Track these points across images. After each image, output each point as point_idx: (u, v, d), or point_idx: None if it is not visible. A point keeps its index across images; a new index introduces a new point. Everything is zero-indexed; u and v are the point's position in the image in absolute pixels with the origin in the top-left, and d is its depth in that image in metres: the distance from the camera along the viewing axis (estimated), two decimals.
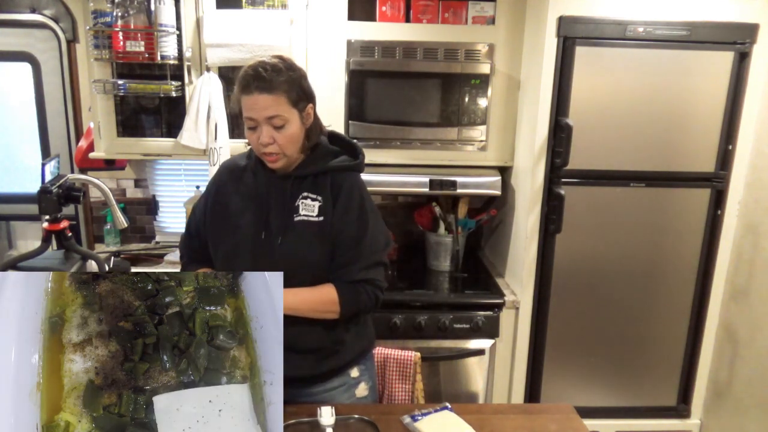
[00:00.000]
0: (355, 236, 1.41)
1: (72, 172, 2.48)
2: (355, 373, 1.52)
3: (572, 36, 1.92)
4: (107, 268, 2.04)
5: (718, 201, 2.08)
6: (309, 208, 1.41)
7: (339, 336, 1.46)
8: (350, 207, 1.41)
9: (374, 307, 1.45)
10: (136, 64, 2.12)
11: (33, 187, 1.80)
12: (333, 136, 1.52)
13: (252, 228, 1.42)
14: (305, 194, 1.42)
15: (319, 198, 1.41)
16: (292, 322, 1.30)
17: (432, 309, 2.10)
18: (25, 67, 2.49)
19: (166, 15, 2.04)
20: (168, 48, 2.06)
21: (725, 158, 2.04)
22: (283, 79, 1.31)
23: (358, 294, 1.40)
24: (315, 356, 1.45)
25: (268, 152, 1.35)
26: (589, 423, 1.43)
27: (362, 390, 1.53)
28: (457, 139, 2.23)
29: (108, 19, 2.04)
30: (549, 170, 2.04)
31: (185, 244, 1.60)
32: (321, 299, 1.38)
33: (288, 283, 1.22)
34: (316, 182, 1.43)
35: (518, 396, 2.23)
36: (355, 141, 1.51)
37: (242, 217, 1.44)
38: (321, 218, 1.40)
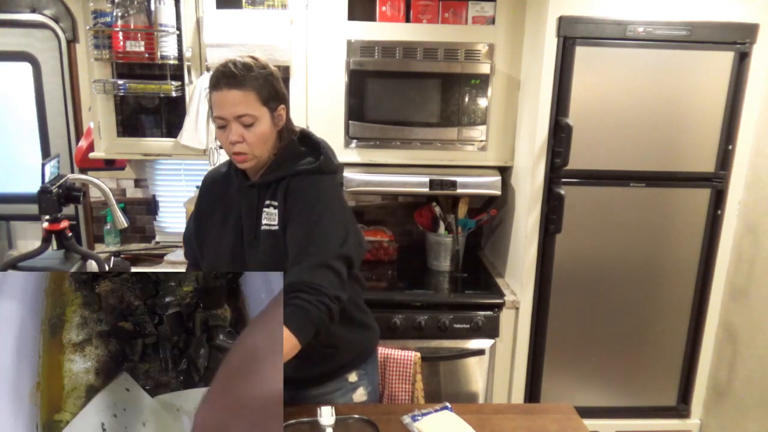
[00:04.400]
0: (299, 238, 1.29)
1: (72, 172, 2.48)
2: (353, 377, 1.49)
3: (572, 36, 1.92)
4: (107, 268, 2.04)
5: (718, 201, 2.08)
6: (270, 217, 1.37)
7: (330, 341, 1.40)
8: (298, 211, 1.32)
9: (328, 318, 1.22)
10: (136, 64, 2.12)
11: (33, 187, 1.80)
12: (303, 135, 1.45)
13: (230, 238, 1.41)
14: (267, 202, 1.38)
15: (278, 205, 1.37)
16: None
17: (432, 309, 2.10)
18: (25, 67, 2.49)
19: (166, 15, 2.04)
20: (168, 48, 2.06)
21: (725, 158, 2.04)
22: (253, 75, 1.29)
23: (303, 312, 1.18)
24: (307, 361, 1.35)
25: (237, 151, 1.32)
26: (589, 423, 1.43)
27: (360, 395, 1.51)
28: (457, 139, 2.23)
29: (108, 19, 2.04)
30: (549, 170, 2.04)
31: (185, 253, 1.62)
32: None
33: None
34: (277, 189, 1.37)
35: (518, 396, 2.23)
36: (322, 141, 1.43)
37: (222, 227, 1.44)
38: (278, 227, 1.35)
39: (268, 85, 1.32)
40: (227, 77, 1.27)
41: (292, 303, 1.18)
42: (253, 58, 1.33)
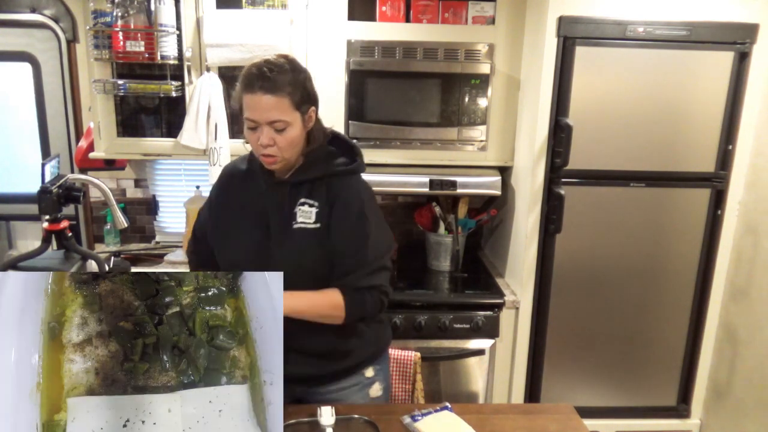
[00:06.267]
0: (356, 243, 1.37)
1: (72, 172, 2.48)
2: (369, 373, 1.51)
3: (572, 36, 1.92)
4: (107, 268, 2.04)
5: (718, 201, 2.08)
6: (306, 215, 1.38)
7: (349, 340, 1.45)
8: (348, 213, 1.38)
9: (380, 311, 1.43)
10: (136, 64, 2.12)
11: (33, 187, 1.79)
12: (333, 137, 1.48)
13: (253, 236, 1.41)
14: (303, 200, 1.39)
15: (316, 204, 1.39)
16: (298, 325, 1.29)
17: (432, 309, 2.10)
18: (25, 67, 2.49)
19: (166, 15, 2.03)
20: (168, 48, 2.06)
21: (725, 158, 2.04)
22: (288, 80, 1.28)
23: (363, 300, 1.38)
24: (325, 359, 1.44)
25: (266, 153, 1.33)
26: (589, 423, 1.43)
27: (376, 390, 1.53)
28: (457, 139, 2.23)
29: (108, 19, 2.04)
30: (549, 170, 2.04)
31: (192, 249, 1.60)
32: (324, 303, 1.35)
33: (288, 291, 1.20)
34: (314, 188, 1.40)
35: (518, 396, 2.23)
36: (354, 142, 1.49)
37: (243, 225, 1.43)
38: (318, 225, 1.38)
39: (301, 88, 1.31)
40: (262, 80, 1.26)
41: (360, 294, 1.37)
42: (286, 58, 1.32)
